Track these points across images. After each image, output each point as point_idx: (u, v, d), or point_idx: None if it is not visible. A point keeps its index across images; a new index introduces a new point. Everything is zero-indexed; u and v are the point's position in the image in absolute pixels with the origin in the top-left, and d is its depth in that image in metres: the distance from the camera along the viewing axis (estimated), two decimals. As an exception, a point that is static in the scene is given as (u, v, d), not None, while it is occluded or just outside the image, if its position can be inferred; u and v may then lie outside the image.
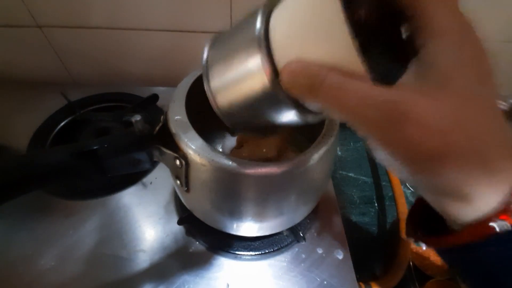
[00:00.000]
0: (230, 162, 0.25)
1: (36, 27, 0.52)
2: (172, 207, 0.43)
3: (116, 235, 0.40)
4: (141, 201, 0.44)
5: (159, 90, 0.59)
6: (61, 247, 0.39)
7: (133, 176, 0.46)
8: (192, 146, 0.27)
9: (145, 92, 0.57)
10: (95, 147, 0.25)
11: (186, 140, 0.27)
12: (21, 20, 0.51)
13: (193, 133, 0.27)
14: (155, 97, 0.56)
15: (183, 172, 0.28)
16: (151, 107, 0.56)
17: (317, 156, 0.27)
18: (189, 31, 0.55)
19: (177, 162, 0.28)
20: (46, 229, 0.40)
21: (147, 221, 0.42)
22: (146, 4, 0.51)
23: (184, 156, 0.27)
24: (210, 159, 0.26)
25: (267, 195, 0.28)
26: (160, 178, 0.47)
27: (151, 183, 0.46)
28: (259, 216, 0.30)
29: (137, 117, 0.26)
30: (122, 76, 0.62)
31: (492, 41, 0.54)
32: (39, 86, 0.58)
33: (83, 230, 0.40)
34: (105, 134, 0.49)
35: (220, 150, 0.40)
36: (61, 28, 0.53)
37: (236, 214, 0.30)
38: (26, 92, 0.57)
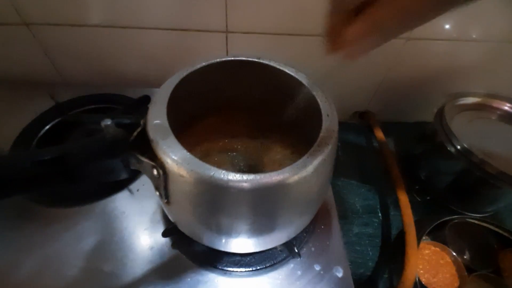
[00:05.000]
0: (212, 173, 0.22)
1: (22, 25, 0.50)
2: (159, 217, 0.40)
3: (98, 247, 0.38)
4: (127, 209, 0.41)
5: (152, 91, 0.56)
6: (39, 258, 0.36)
7: (119, 183, 0.43)
8: (170, 154, 0.24)
9: (138, 94, 0.55)
10: (58, 155, 0.22)
11: (164, 147, 0.24)
12: (5, 17, 0.49)
13: (172, 140, 0.25)
14: (146, 98, 0.53)
15: (162, 183, 0.25)
16: (143, 109, 0.53)
17: (311, 168, 0.24)
18: (183, 30, 0.52)
19: (155, 171, 0.25)
20: (22, 238, 0.38)
21: (132, 232, 0.39)
22: (140, 2, 0.48)
23: (161, 166, 0.24)
24: (189, 169, 0.23)
25: (255, 210, 0.25)
26: (148, 184, 0.43)
27: (138, 190, 0.43)
28: (248, 232, 0.27)
29: (107, 122, 0.23)
30: (115, 76, 0.60)
31: (493, 41, 0.50)
32: (27, 85, 0.56)
33: (62, 241, 0.38)
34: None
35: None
36: (50, 26, 0.51)
37: (223, 230, 0.27)
38: (12, 92, 0.55)
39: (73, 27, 0.52)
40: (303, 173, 0.23)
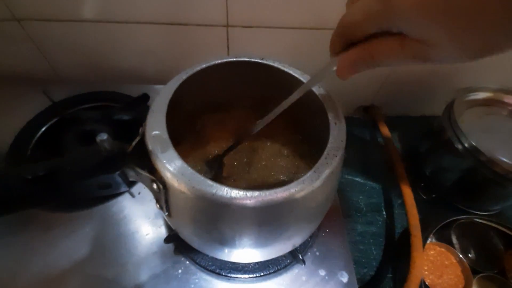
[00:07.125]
0: (214, 190, 0.21)
1: (13, 21, 0.48)
2: (161, 221, 0.40)
3: (99, 252, 0.37)
4: (128, 213, 0.41)
5: (151, 88, 0.55)
6: (39, 266, 0.36)
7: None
8: (170, 168, 0.22)
9: (135, 90, 0.53)
10: (50, 171, 0.21)
11: (164, 161, 0.23)
12: (-5, 13, 0.47)
13: (172, 153, 0.23)
14: (145, 97, 0.51)
15: (162, 197, 0.24)
16: (141, 107, 0.52)
17: (318, 182, 0.22)
18: (182, 24, 0.50)
19: (154, 185, 0.24)
20: (21, 245, 0.37)
21: (133, 237, 0.38)
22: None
23: (161, 180, 0.23)
24: (190, 185, 0.22)
25: (260, 226, 0.24)
26: (149, 187, 0.43)
27: (139, 193, 0.42)
28: (252, 245, 0.27)
29: (103, 136, 0.21)
30: (112, 73, 0.58)
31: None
32: (20, 83, 0.54)
33: (62, 248, 0.37)
34: (92, 138, 0.45)
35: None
36: (42, 22, 0.49)
37: (226, 243, 0.26)
38: (4, 90, 0.53)
39: (66, 22, 0.49)
40: (309, 188, 0.22)
